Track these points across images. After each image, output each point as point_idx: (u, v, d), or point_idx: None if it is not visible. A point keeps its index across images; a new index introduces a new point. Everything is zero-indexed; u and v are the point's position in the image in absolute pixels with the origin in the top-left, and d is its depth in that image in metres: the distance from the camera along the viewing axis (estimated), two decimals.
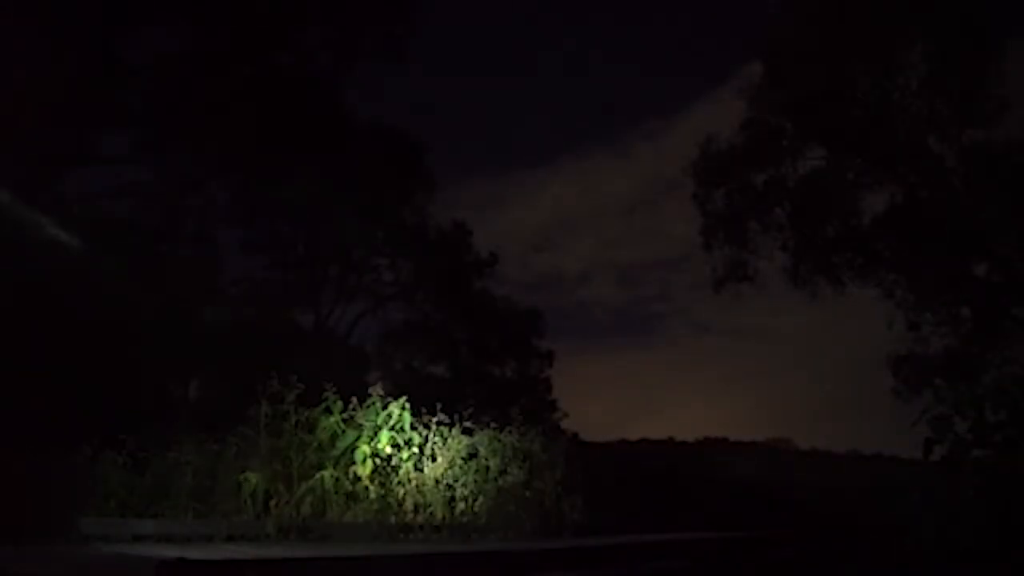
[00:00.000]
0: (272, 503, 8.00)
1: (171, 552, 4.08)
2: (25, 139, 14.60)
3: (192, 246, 19.86)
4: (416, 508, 8.36)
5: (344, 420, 8.48)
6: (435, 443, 8.72)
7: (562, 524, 8.86)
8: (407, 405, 8.69)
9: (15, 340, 11.91)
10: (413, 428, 8.62)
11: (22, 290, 12.92)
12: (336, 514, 8.00)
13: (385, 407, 8.60)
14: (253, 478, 8.01)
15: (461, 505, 8.61)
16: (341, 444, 8.36)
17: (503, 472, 8.94)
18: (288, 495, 8.02)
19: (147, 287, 15.70)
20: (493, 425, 9.28)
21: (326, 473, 8.12)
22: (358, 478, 8.22)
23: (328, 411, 8.47)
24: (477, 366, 25.94)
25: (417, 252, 24.44)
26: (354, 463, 8.25)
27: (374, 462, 8.29)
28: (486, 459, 8.99)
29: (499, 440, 9.18)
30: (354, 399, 8.61)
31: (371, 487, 8.19)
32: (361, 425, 8.44)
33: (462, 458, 8.83)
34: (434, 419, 8.79)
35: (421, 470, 8.56)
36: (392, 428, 8.48)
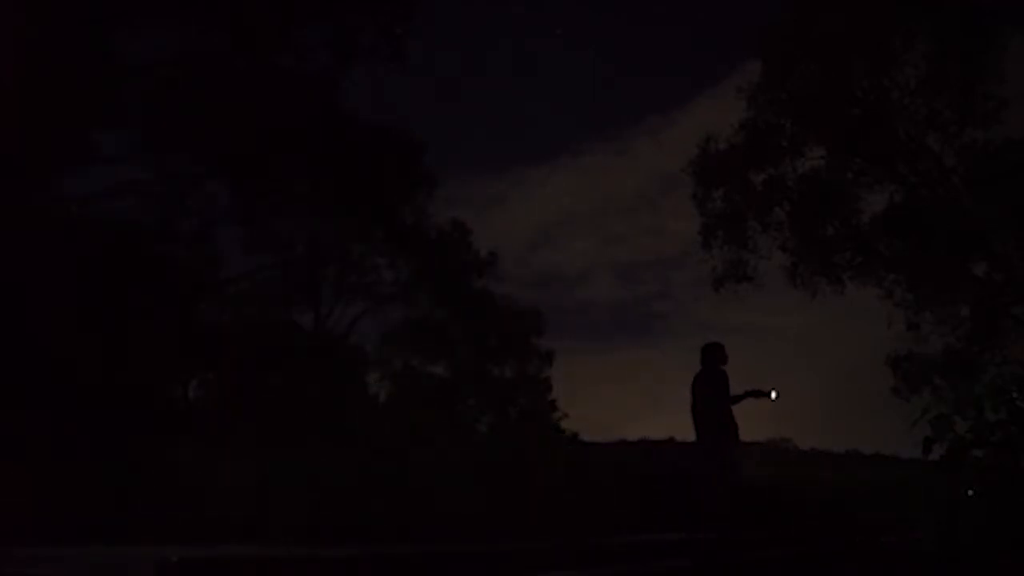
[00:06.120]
0: None
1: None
2: (24, 139, 14.58)
3: (191, 246, 19.80)
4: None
5: None
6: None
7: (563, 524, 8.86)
8: None
9: (13, 340, 11.89)
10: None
11: (20, 290, 12.91)
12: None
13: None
14: None
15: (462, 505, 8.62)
16: None
17: (503, 471, 8.96)
18: None
19: (146, 287, 15.68)
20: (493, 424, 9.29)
21: None
22: None
23: None
24: (477, 365, 25.92)
25: (417, 252, 24.42)
26: None
27: None
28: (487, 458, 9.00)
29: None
30: None
31: None
32: None
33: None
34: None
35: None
36: None
